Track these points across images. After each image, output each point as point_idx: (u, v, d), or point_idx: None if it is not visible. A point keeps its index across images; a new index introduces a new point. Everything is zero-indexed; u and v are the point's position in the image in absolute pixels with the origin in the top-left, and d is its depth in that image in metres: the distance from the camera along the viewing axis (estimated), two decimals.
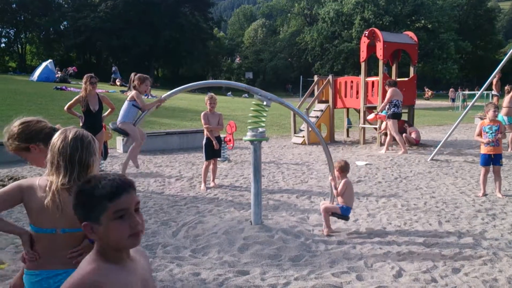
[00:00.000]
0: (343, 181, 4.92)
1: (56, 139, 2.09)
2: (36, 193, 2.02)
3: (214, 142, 7.12)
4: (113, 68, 36.52)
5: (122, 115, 6.01)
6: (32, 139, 2.40)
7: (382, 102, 11.30)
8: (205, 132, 7.26)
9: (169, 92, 5.58)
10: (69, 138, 2.07)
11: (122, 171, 6.07)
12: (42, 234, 2.06)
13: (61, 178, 2.03)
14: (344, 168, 4.98)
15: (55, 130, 2.55)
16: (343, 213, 4.94)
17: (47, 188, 2.02)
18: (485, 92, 20.18)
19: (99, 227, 1.44)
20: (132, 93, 6.06)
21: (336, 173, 5.01)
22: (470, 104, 9.69)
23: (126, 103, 6.05)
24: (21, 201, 2.04)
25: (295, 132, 13.30)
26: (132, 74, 6.23)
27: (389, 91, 10.59)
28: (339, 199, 4.97)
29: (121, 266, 1.48)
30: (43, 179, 2.08)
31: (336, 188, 4.98)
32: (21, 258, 2.14)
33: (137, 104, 5.99)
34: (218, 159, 8.02)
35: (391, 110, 10.60)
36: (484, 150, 6.62)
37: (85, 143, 2.09)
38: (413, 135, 11.80)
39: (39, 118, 2.54)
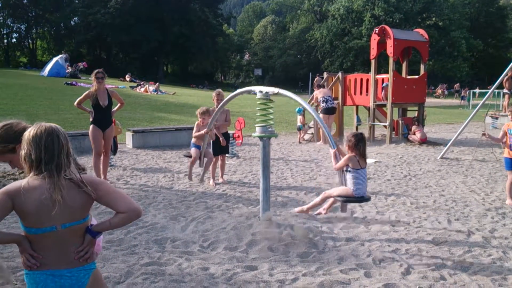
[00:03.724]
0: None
1: (35, 135, 2.02)
2: (30, 194, 1.95)
3: (221, 138, 7.13)
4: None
5: None
6: (17, 139, 2.40)
7: (392, 99, 11.35)
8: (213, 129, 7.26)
9: None
10: (47, 131, 2.04)
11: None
12: (42, 234, 2.00)
13: (52, 171, 2.00)
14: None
15: None
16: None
17: (47, 185, 1.96)
18: (496, 91, 19.99)
19: None
20: None
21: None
22: (480, 102, 9.62)
23: None
24: (13, 208, 1.95)
25: None
26: None
27: (315, 92, 12.08)
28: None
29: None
30: (31, 179, 2.00)
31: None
32: (23, 263, 2.06)
33: None
34: (227, 155, 8.04)
35: (322, 106, 11.80)
36: (509, 154, 6.07)
37: (61, 132, 2.08)
38: (418, 134, 11.71)
39: (17, 120, 2.61)
